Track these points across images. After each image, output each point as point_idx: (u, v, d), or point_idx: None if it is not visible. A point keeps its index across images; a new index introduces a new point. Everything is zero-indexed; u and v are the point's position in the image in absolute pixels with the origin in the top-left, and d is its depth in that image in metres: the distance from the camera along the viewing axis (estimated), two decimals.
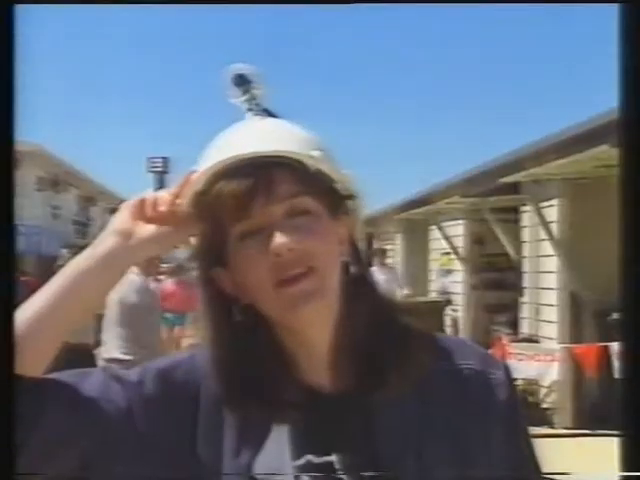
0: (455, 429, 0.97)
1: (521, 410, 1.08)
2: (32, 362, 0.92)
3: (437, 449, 0.96)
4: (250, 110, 1.05)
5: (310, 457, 0.95)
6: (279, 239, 0.91)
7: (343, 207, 1.00)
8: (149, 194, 1.00)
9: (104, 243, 0.98)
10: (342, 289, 0.97)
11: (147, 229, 0.98)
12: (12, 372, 0.89)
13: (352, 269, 0.99)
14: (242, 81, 1.05)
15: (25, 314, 0.93)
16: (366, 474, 0.94)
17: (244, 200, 0.92)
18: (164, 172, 34.46)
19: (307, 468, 0.94)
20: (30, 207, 18.19)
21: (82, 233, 23.10)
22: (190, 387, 0.99)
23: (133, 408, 0.96)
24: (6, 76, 0.91)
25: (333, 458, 0.95)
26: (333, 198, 0.98)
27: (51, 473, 0.93)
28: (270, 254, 0.91)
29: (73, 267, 0.97)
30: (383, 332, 0.99)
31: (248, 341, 0.97)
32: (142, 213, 0.99)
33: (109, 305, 5.49)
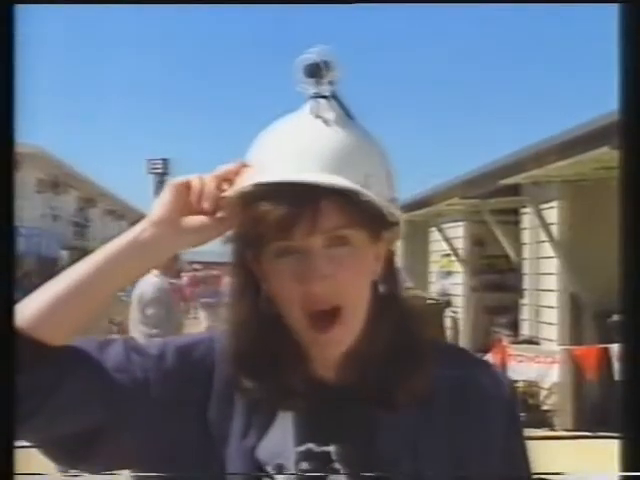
0: (451, 432, 0.99)
1: (518, 415, 1.08)
2: (55, 334, 0.93)
3: (433, 450, 0.97)
4: (316, 96, 0.98)
5: (311, 445, 0.97)
6: (315, 268, 0.92)
7: (385, 231, 0.99)
8: (194, 179, 0.97)
9: (146, 231, 0.96)
10: (370, 308, 0.98)
11: (191, 220, 0.96)
12: (13, 370, 0.89)
13: (381, 288, 1.00)
14: (316, 69, 0.98)
15: (56, 286, 0.94)
16: (361, 468, 0.95)
17: (288, 226, 0.91)
18: (164, 174, 34.51)
19: (307, 456, 0.96)
20: (30, 209, 18.19)
21: (80, 234, 23.07)
22: (206, 366, 1.00)
23: (150, 380, 0.98)
24: (6, 76, 0.91)
25: (331, 449, 0.97)
26: (377, 224, 0.97)
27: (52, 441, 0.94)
28: (303, 283, 0.92)
29: (110, 249, 0.96)
30: (400, 347, 1.00)
31: (267, 329, 0.99)
32: (186, 200, 0.96)
33: (133, 306, 5.94)
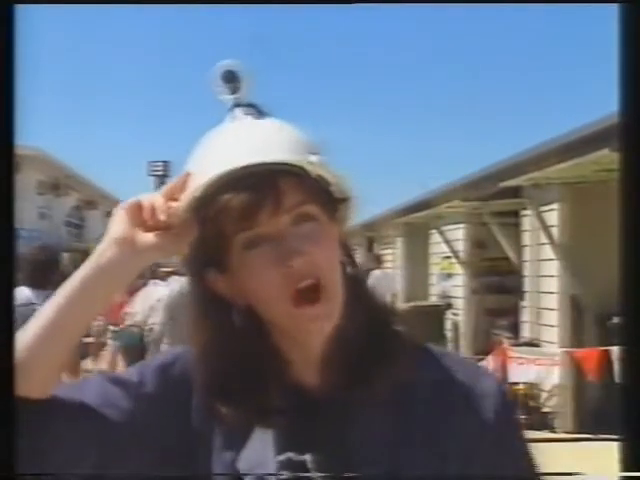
0: (435, 439, 0.97)
1: (515, 422, 1.07)
2: (42, 379, 0.93)
3: (413, 458, 0.96)
4: (238, 107, 1.04)
5: (290, 454, 0.96)
6: (289, 248, 0.91)
7: (339, 209, 1.01)
8: (144, 198, 0.97)
9: (106, 253, 0.95)
10: (343, 289, 0.97)
11: (148, 236, 0.96)
12: (13, 373, 0.89)
13: (348, 270, 1.00)
14: (231, 77, 1.04)
15: (32, 330, 0.93)
16: (340, 474, 0.95)
17: (251, 211, 0.91)
18: (165, 176, 34.50)
19: (286, 465, 0.96)
20: (30, 211, 18.20)
21: (76, 235, 22.97)
22: (185, 383, 1.00)
23: (136, 408, 0.97)
24: (6, 77, 0.91)
25: (309, 458, 0.96)
26: (330, 202, 0.99)
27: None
28: (280, 264, 0.92)
29: (77, 279, 0.95)
30: (371, 331, 1.00)
31: (239, 343, 0.98)
32: (140, 219, 0.96)
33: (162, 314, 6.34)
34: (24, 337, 0.93)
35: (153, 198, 0.96)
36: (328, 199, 0.98)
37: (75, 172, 22.25)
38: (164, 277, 7.30)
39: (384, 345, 0.99)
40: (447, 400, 1.00)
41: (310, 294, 0.93)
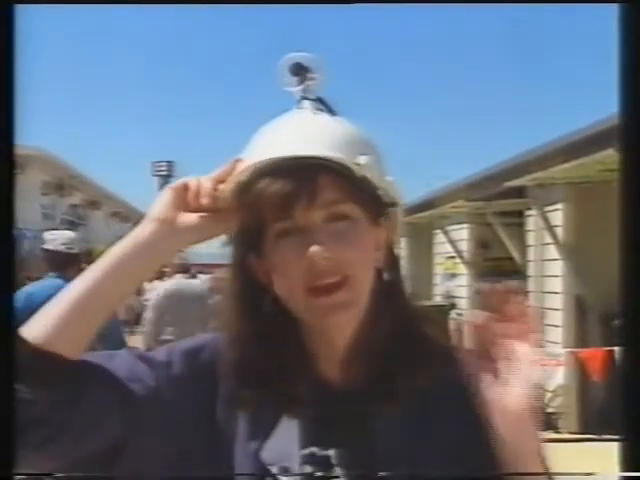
0: (454, 440, 0.97)
1: (534, 430, 1.04)
2: (70, 346, 0.93)
3: (432, 458, 0.96)
4: (304, 99, 1.04)
5: (314, 449, 0.97)
6: (316, 246, 0.92)
7: (384, 214, 1.01)
8: (191, 179, 0.99)
9: (145, 230, 0.97)
10: (372, 294, 0.98)
11: (189, 217, 0.97)
12: (13, 372, 0.89)
13: (385, 275, 1.00)
14: (299, 69, 1.04)
15: (65, 298, 0.94)
16: (361, 471, 0.95)
17: (286, 202, 0.92)
18: (169, 176, 34.58)
19: (310, 459, 0.96)
20: (34, 211, 18.23)
21: (83, 236, 23.00)
22: (213, 369, 1.01)
23: (162, 387, 0.98)
24: (6, 77, 0.91)
25: (332, 453, 0.96)
26: (375, 204, 0.99)
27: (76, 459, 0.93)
28: (306, 259, 0.92)
29: (113, 253, 0.97)
30: (403, 340, 1.00)
31: (271, 331, 0.99)
32: (184, 200, 0.98)
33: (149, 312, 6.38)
34: (58, 302, 0.94)
35: (200, 181, 0.98)
36: (373, 202, 0.98)
37: (79, 172, 22.28)
38: (160, 277, 7.35)
39: (411, 347, 0.99)
40: (468, 402, 0.97)
41: (329, 288, 0.93)
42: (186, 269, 7.14)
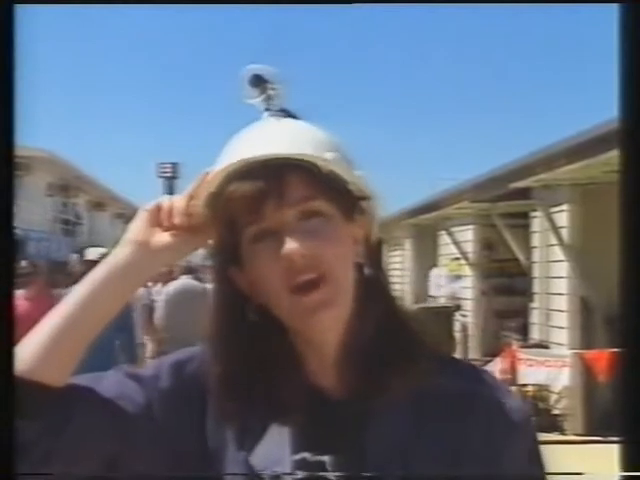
0: (447, 446, 0.96)
1: (532, 440, 1.03)
2: (54, 373, 0.93)
3: (425, 463, 0.95)
4: (267, 110, 1.05)
5: (306, 454, 0.96)
6: (291, 244, 0.91)
7: (357, 208, 1.00)
8: (164, 200, 1.00)
9: (122, 253, 0.98)
10: (355, 290, 0.97)
11: (165, 237, 0.98)
12: (12, 374, 0.89)
13: (366, 271, 0.99)
14: (259, 81, 1.05)
15: (47, 325, 0.95)
16: (351, 477, 0.94)
17: (256, 203, 0.92)
18: (174, 177, 34.62)
19: (301, 465, 0.95)
20: (39, 213, 18.27)
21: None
22: (200, 380, 1.00)
23: (152, 402, 0.98)
24: (6, 77, 0.91)
25: (324, 458, 0.96)
26: (346, 200, 0.98)
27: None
28: (282, 259, 0.92)
29: (92, 278, 0.97)
30: (390, 334, 0.99)
31: (258, 341, 0.98)
32: (158, 221, 0.99)
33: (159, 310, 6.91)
34: (41, 329, 0.94)
35: (174, 200, 0.99)
36: (344, 197, 0.98)
37: (84, 174, 22.31)
38: (167, 279, 7.52)
39: (401, 348, 0.98)
40: (463, 409, 0.98)
41: (309, 286, 0.93)
42: (191, 271, 7.28)
